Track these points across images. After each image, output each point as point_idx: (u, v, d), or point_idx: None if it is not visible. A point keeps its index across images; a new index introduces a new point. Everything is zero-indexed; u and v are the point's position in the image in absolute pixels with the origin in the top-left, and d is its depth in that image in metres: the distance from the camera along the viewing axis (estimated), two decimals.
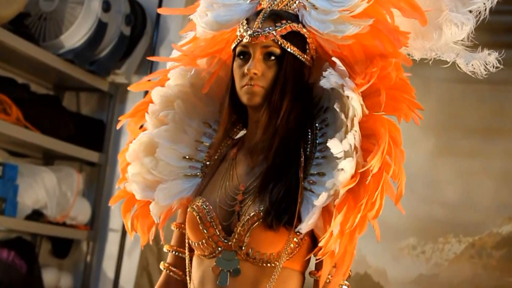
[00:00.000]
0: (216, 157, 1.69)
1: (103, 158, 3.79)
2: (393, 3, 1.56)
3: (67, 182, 3.61)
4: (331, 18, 1.56)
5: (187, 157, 1.69)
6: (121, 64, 3.74)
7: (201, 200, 1.60)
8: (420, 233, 3.30)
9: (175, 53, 1.80)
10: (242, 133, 1.73)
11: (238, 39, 1.61)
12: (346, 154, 1.46)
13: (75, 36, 3.53)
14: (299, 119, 1.59)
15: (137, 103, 1.76)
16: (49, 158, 3.84)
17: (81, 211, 3.69)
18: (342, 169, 1.44)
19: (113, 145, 3.83)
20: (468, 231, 3.24)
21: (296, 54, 1.59)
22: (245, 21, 1.62)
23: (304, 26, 1.60)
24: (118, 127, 1.79)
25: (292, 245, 1.52)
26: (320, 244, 1.44)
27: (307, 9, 1.61)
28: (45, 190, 3.46)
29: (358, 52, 1.56)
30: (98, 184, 3.81)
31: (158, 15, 3.81)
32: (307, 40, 1.61)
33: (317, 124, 1.60)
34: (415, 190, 3.26)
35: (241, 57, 1.60)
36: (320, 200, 1.45)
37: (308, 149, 1.58)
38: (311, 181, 1.53)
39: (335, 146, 1.47)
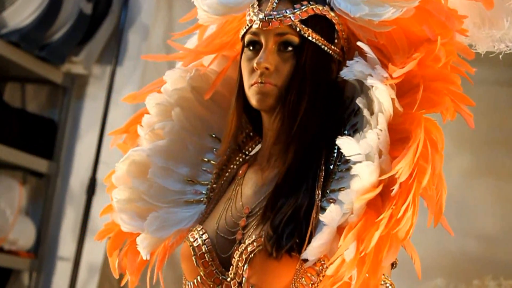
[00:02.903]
0: (225, 178, 1.71)
1: (53, 168, 3.78)
2: None
3: (6, 197, 3.59)
4: None
5: (189, 179, 1.71)
6: (79, 50, 3.73)
7: (198, 229, 1.60)
8: (451, 272, 3.31)
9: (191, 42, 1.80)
10: (259, 148, 1.74)
11: (247, 25, 1.60)
12: (367, 159, 1.43)
13: (21, 12, 3.51)
14: (322, 125, 1.57)
15: (134, 115, 1.77)
16: None
17: (23, 234, 3.67)
18: (357, 175, 1.41)
19: (67, 151, 3.82)
20: (511, 272, 3.24)
21: (319, 43, 1.58)
22: (257, 3, 1.61)
23: (332, 10, 1.60)
24: (111, 147, 1.79)
25: (304, 281, 1.48)
26: (328, 272, 1.40)
27: None
28: None
29: (399, 41, 1.55)
30: (46, 200, 3.79)
31: None
32: (336, 26, 1.60)
33: (345, 131, 1.58)
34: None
35: (251, 47, 1.59)
36: (328, 215, 1.41)
37: (333, 162, 1.56)
38: (331, 200, 1.50)
39: (347, 146, 1.44)
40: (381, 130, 1.44)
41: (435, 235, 3.06)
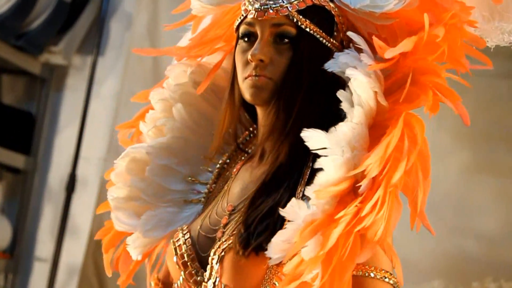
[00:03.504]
0: (225, 177, 1.72)
1: (31, 163, 3.77)
2: None
3: None
4: None
5: (189, 178, 1.73)
6: (59, 40, 3.73)
7: (183, 228, 1.62)
8: (449, 274, 3.32)
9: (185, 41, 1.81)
10: None
11: (242, 15, 1.60)
12: (335, 153, 1.40)
13: None
14: (318, 122, 1.53)
15: (141, 110, 1.79)
16: None
17: None
18: (322, 169, 1.39)
19: (45, 146, 3.81)
20: None
21: (317, 36, 1.57)
22: None
23: (331, 0, 1.60)
24: (120, 143, 1.80)
25: (275, 282, 1.47)
26: (284, 270, 1.37)
27: None
28: None
29: (401, 31, 1.54)
30: (22, 197, 3.79)
31: None
32: (335, 18, 1.60)
33: None
34: (442, 217, 3.27)
35: (245, 39, 1.59)
36: (289, 209, 1.38)
37: None
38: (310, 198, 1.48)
39: (313, 139, 1.41)
40: (356, 124, 1.42)
41: (433, 236, 3.06)
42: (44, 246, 3.75)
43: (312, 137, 1.41)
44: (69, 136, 3.75)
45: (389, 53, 1.47)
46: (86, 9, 3.76)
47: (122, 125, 1.82)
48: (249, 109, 1.65)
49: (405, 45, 1.47)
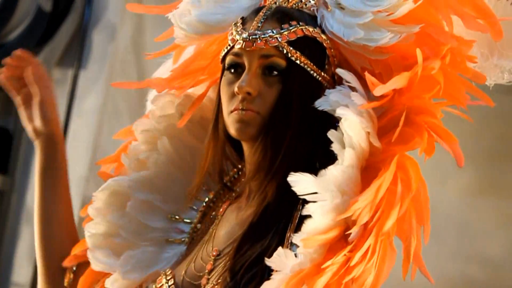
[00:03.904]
0: (211, 217, 1.72)
1: (8, 183, 3.75)
2: (453, 8, 1.53)
3: None
4: (361, 21, 1.53)
5: (172, 216, 1.73)
6: (38, 52, 3.68)
7: (167, 273, 1.61)
8: None
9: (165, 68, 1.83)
10: None
11: (229, 45, 1.59)
12: (324, 198, 1.39)
13: None
14: (308, 160, 1.55)
15: (125, 142, 1.80)
16: None
17: None
18: (310, 216, 1.38)
19: (23, 165, 3.78)
20: None
21: (308, 69, 1.56)
22: (241, 21, 1.60)
23: (323, 32, 1.59)
24: (101, 177, 1.80)
25: None
26: None
27: (330, 9, 1.59)
28: None
29: (397, 68, 1.53)
30: None
31: None
32: (327, 51, 1.59)
33: None
34: (443, 242, 3.23)
35: (232, 70, 1.59)
36: (275, 259, 1.37)
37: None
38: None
39: (300, 184, 1.40)
40: (347, 167, 1.41)
41: (432, 259, 3.04)
42: (21, 270, 3.71)
43: (299, 182, 1.40)
44: None
45: (380, 90, 1.45)
46: (67, 19, 3.73)
47: (103, 160, 1.82)
48: (236, 144, 1.63)
49: (397, 81, 1.46)
